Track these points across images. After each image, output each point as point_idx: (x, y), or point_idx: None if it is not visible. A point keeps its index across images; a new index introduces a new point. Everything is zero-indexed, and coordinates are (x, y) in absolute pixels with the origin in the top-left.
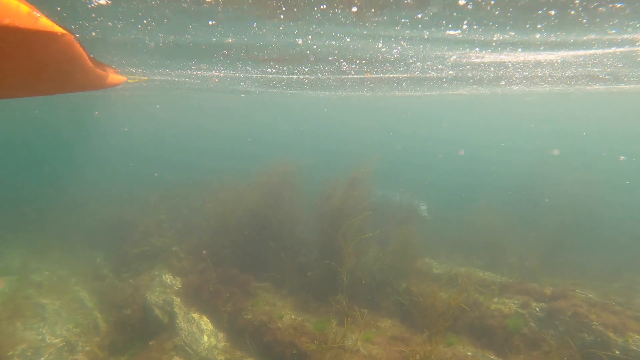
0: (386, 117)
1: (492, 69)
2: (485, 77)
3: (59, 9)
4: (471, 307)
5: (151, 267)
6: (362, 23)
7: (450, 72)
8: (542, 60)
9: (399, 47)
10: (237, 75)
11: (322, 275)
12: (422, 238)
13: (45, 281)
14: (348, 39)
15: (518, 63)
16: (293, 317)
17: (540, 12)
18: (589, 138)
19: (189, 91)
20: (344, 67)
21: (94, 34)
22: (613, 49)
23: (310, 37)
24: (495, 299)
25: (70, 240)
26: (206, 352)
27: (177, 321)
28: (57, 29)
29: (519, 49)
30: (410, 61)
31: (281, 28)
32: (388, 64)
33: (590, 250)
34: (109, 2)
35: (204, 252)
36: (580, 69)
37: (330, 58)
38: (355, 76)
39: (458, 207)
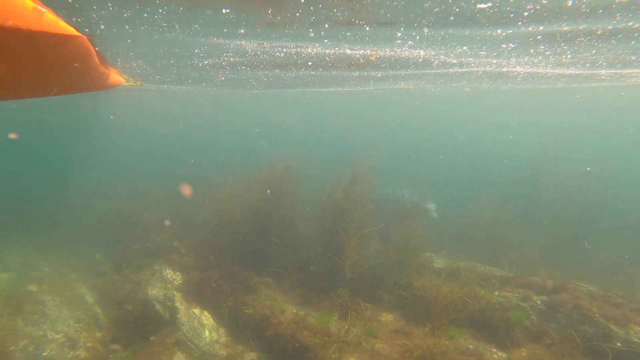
0: (387, 112)
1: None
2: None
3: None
4: (472, 301)
5: (152, 262)
6: None
7: (454, 60)
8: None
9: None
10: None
11: (324, 270)
12: (423, 233)
13: (46, 278)
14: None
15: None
16: (295, 311)
17: None
18: (588, 132)
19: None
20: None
21: (102, 27)
22: None
23: None
24: (497, 293)
25: (71, 237)
26: (208, 346)
27: (179, 316)
28: (72, 31)
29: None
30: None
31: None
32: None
33: (591, 244)
34: None
35: (205, 247)
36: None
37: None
38: (360, 59)
39: (458, 203)
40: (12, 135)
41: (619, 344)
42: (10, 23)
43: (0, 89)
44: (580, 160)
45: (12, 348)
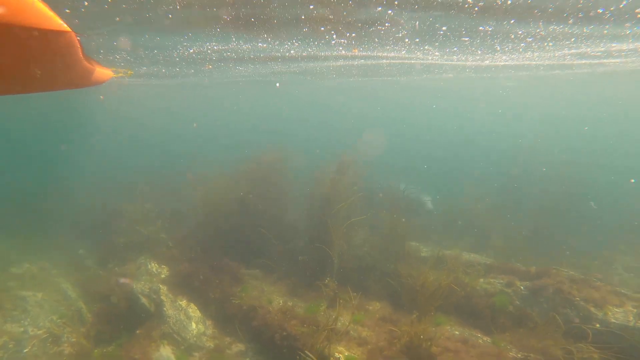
0: (375, 104)
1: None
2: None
3: None
4: (458, 288)
5: (137, 256)
6: None
7: (436, 53)
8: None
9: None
10: (230, 54)
11: (312, 260)
12: (411, 222)
13: (26, 273)
14: None
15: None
16: (282, 301)
17: None
18: (569, 122)
19: (182, 79)
20: (333, 42)
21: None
22: None
23: None
24: (481, 280)
25: (54, 231)
26: (195, 339)
27: (165, 309)
28: (63, 26)
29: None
30: (400, 35)
31: None
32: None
33: (570, 230)
34: None
35: (193, 239)
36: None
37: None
38: (343, 52)
39: (444, 193)
40: None
41: (597, 325)
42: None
43: None
44: (562, 151)
45: None
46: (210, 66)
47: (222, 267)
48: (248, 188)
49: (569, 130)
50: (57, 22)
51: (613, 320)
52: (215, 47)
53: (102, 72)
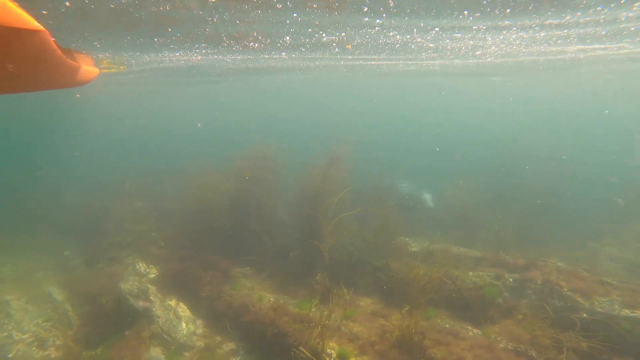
0: (363, 99)
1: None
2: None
3: None
4: (448, 281)
5: (125, 256)
6: None
7: (431, 45)
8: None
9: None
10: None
11: (303, 256)
12: (399, 217)
13: (9, 276)
14: None
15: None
16: (273, 299)
17: None
18: (557, 117)
19: (172, 77)
20: (324, 39)
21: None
22: None
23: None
24: (471, 273)
25: (39, 232)
26: (185, 338)
27: (154, 309)
28: (35, 25)
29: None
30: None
31: None
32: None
33: (557, 223)
34: None
35: (183, 238)
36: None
37: (310, 30)
38: (335, 47)
39: (432, 188)
40: None
41: (584, 315)
42: None
43: None
44: (548, 146)
45: None
46: (200, 57)
47: (212, 265)
48: (238, 185)
49: (555, 126)
50: (29, 22)
51: (599, 310)
52: (204, 51)
53: (88, 70)
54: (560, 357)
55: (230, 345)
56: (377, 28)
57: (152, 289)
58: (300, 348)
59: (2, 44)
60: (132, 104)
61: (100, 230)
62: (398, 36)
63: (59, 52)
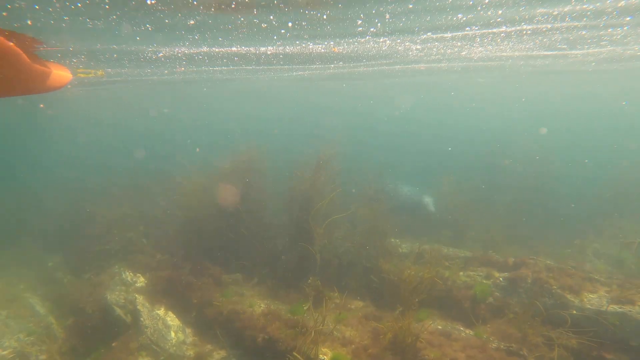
0: (350, 100)
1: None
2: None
3: None
4: (436, 283)
5: (111, 265)
6: None
7: (418, 46)
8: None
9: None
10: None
11: (293, 261)
12: (389, 218)
13: None
14: None
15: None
16: (264, 305)
17: None
18: (542, 118)
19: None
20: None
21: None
22: None
23: None
24: (461, 273)
25: (20, 242)
26: (174, 348)
27: (142, 319)
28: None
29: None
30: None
31: None
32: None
33: (544, 221)
34: None
35: (171, 244)
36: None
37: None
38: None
39: (420, 188)
40: None
41: (574, 312)
42: None
43: None
44: (533, 146)
45: None
46: (183, 68)
47: (201, 272)
48: (227, 189)
49: (542, 126)
50: None
51: (588, 306)
52: (186, 51)
53: (61, 75)
54: (551, 354)
55: (221, 354)
56: (359, 29)
57: (140, 298)
58: (294, 354)
59: None
60: (116, 105)
61: (86, 238)
62: (388, 41)
63: (23, 57)
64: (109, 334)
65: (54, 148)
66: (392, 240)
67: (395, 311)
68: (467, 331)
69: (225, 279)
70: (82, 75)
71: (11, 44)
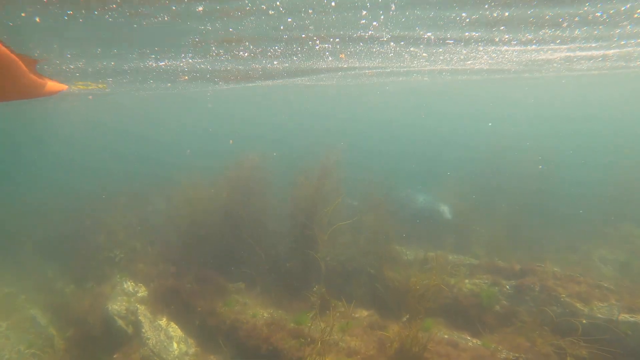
0: (350, 106)
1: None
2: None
3: None
4: (443, 291)
5: (113, 274)
6: None
7: (424, 54)
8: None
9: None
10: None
11: (297, 269)
12: (393, 226)
13: None
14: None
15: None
16: (267, 315)
17: None
18: (541, 122)
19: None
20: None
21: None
22: None
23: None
24: (467, 280)
25: (20, 252)
26: (177, 359)
27: (143, 330)
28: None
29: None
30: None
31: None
32: (362, 43)
33: (547, 226)
34: None
35: (174, 253)
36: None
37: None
38: (328, 56)
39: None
40: None
41: (584, 321)
42: None
43: None
44: (532, 150)
45: None
46: (187, 77)
47: (204, 281)
48: (230, 195)
49: (545, 129)
50: None
51: (599, 315)
52: (190, 61)
53: (55, 84)
54: None
55: None
56: (370, 32)
57: (142, 308)
58: None
59: None
60: (117, 110)
61: (87, 247)
62: (392, 43)
63: (18, 62)
64: (111, 345)
65: (53, 153)
66: (397, 247)
67: (401, 320)
68: (474, 340)
69: (229, 288)
70: (81, 87)
71: (6, 49)
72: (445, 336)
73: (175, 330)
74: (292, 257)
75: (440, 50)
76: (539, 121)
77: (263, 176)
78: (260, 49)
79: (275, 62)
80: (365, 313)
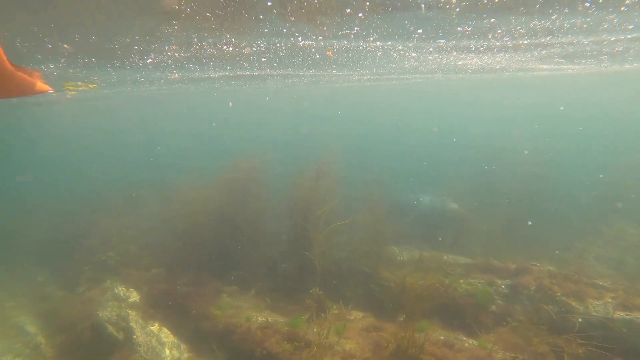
0: (346, 107)
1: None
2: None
3: None
4: (439, 290)
5: (104, 279)
6: None
7: (413, 54)
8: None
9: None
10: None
11: (292, 271)
12: (388, 226)
13: None
14: None
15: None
16: (261, 318)
17: None
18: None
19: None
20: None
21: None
22: None
23: None
24: (462, 280)
25: (9, 256)
26: None
27: (135, 336)
28: None
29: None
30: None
31: None
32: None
33: (542, 225)
34: None
35: (166, 256)
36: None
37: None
38: (315, 53)
39: (403, 194)
40: None
41: (580, 319)
42: None
43: None
44: (526, 150)
45: None
46: (177, 75)
47: (198, 285)
48: (225, 197)
49: (540, 129)
50: None
51: (594, 313)
52: (176, 55)
53: (41, 86)
54: None
55: None
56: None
57: (133, 314)
58: None
59: None
60: (110, 113)
61: (79, 251)
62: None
63: (8, 62)
64: (101, 352)
65: (45, 155)
66: (392, 247)
67: (396, 321)
68: (471, 341)
69: (223, 291)
70: (70, 89)
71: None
72: (441, 337)
73: (167, 335)
74: (287, 259)
75: (431, 49)
76: (533, 121)
77: (260, 178)
78: (243, 43)
79: (263, 59)
80: (360, 315)
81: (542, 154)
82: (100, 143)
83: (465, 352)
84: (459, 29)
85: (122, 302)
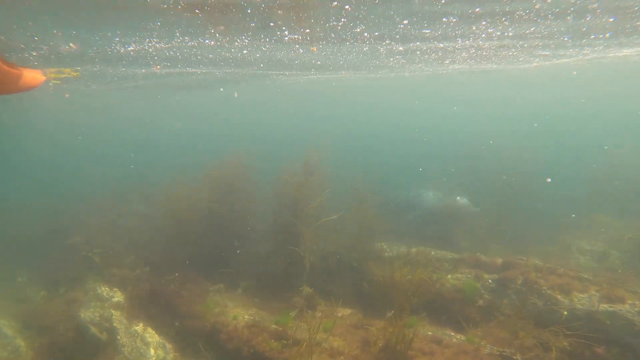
0: (334, 105)
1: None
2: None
3: None
4: (427, 285)
5: (87, 279)
6: None
7: (400, 48)
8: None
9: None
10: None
11: (279, 267)
12: (375, 223)
13: None
14: None
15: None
16: (247, 316)
17: None
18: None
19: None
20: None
21: None
22: None
23: None
24: (449, 275)
25: None
26: None
27: (118, 337)
28: None
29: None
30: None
31: None
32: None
33: (527, 219)
34: None
35: (151, 254)
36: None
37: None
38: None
39: (404, 190)
40: None
41: (565, 312)
42: None
43: None
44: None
45: None
46: (159, 67)
47: (184, 283)
48: (213, 195)
49: (523, 126)
50: None
51: (579, 306)
52: (157, 45)
53: (34, 77)
54: (545, 356)
55: None
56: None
57: (117, 314)
58: None
59: None
60: (95, 110)
61: (61, 249)
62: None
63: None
64: (84, 354)
65: (28, 152)
66: (379, 244)
67: (385, 317)
68: (458, 336)
69: (209, 289)
70: (53, 76)
71: None
72: (429, 333)
73: (152, 335)
74: (275, 256)
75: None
76: (518, 118)
77: (247, 175)
78: (227, 38)
79: (245, 52)
80: (348, 311)
81: (527, 151)
82: (85, 141)
83: (453, 347)
84: (444, 19)
85: (106, 302)
